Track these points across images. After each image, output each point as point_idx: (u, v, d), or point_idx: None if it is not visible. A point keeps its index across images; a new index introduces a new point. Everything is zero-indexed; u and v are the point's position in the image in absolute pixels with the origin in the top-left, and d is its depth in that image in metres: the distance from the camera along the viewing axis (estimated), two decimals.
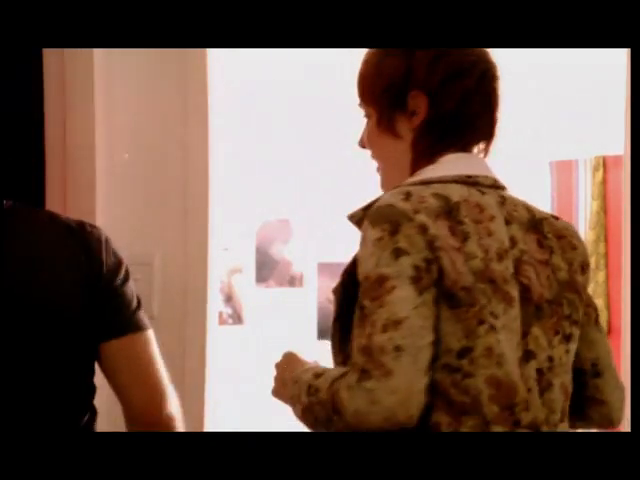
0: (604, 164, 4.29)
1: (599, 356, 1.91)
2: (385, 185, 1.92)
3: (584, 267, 1.87)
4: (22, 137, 2.65)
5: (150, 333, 2.02)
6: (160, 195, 2.75)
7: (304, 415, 1.75)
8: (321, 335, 5.26)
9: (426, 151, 1.85)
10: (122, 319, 1.99)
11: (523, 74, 4.36)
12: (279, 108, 5.37)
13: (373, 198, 1.82)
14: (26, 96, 2.67)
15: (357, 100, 1.94)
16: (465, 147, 1.87)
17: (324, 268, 5.55)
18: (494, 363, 1.70)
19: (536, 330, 1.77)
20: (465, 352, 1.69)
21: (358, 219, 1.81)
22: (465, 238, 1.73)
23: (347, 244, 5.54)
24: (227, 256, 5.62)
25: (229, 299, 5.83)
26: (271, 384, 1.93)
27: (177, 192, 2.73)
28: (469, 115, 1.86)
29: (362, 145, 1.95)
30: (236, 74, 4.50)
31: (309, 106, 5.31)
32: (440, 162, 1.84)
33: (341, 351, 1.81)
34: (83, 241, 1.97)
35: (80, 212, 2.70)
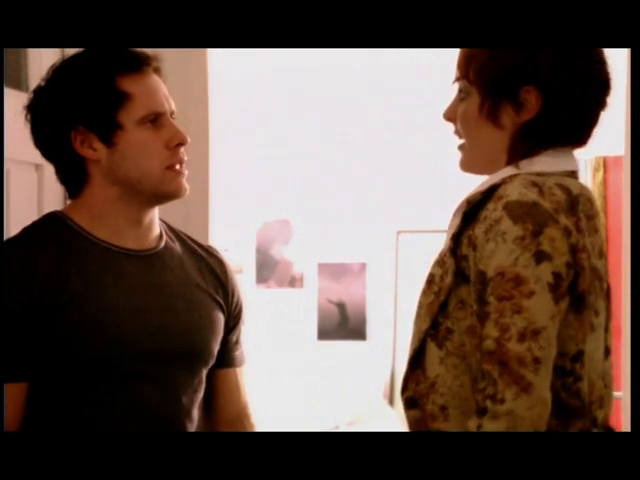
0: (604, 165, 4.28)
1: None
2: (466, 166, 1.87)
3: (602, 253, 1.81)
4: None
5: None
6: None
7: None
8: (321, 335, 5.24)
9: (529, 148, 1.81)
10: None
11: None
12: (279, 108, 5.37)
13: (489, 180, 1.78)
14: None
15: (455, 73, 1.86)
16: (566, 147, 1.85)
17: (324, 268, 5.54)
18: (593, 364, 1.72)
19: (607, 324, 1.77)
20: (579, 355, 1.69)
21: (474, 203, 1.75)
22: (583, 236, 1.71)
23: (347, 244, 5.52)
24: (227, 256, 5.59)
25: None
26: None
27: None
28: (582, 123, 1.84)
29: (448, 118, 1.87)
30: (236, 74, 4.51)
31: (309, 106, 5.31)
32: (546, 154, 1.80)
33: (433, 322, 1.75)
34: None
35: None
